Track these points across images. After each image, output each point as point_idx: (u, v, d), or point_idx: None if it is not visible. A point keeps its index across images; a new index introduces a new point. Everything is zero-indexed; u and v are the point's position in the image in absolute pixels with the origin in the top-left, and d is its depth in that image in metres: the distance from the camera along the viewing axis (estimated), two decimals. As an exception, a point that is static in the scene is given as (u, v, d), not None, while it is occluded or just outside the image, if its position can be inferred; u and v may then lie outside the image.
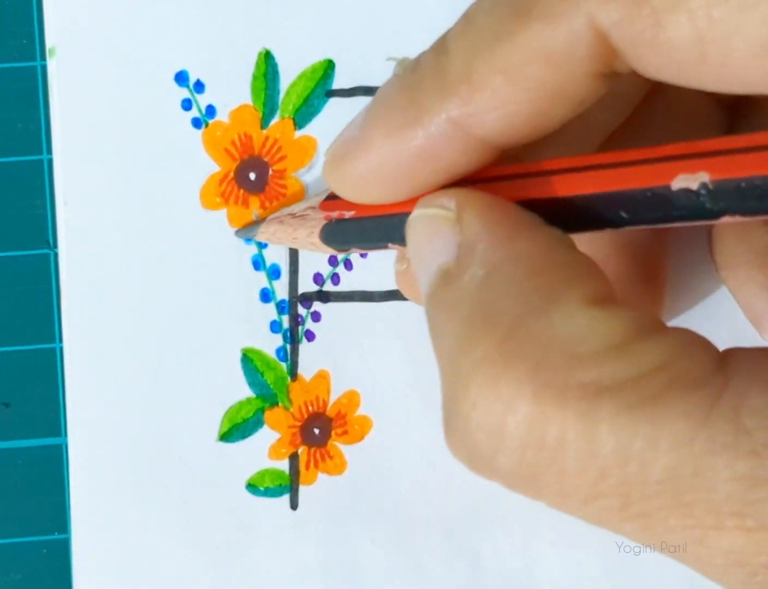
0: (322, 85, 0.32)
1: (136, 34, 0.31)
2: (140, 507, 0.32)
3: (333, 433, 0.33)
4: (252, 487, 0.32)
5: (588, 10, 0.20)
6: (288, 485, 0.32)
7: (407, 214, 0.24)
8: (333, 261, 0.32)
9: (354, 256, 0.32)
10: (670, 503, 0.19)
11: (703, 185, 0.20)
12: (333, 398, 0.33)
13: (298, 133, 0.32)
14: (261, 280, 0.32)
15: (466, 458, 0.21)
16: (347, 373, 0.32)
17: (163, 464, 0.32)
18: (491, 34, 0.21)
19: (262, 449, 0.32)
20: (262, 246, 0.32)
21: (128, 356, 0.32)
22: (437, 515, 0.32)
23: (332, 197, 0.28)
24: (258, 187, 0.32)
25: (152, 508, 0.32)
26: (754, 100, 0.27)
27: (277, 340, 0.32)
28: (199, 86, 0.32)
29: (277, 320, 0.32)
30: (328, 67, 0.32)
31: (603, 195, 0.21)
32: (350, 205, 0.27)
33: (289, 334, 0.32)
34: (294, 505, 0.32)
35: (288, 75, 0.32)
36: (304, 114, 0.32)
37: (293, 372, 0.32)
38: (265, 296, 0.32)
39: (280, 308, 0.32)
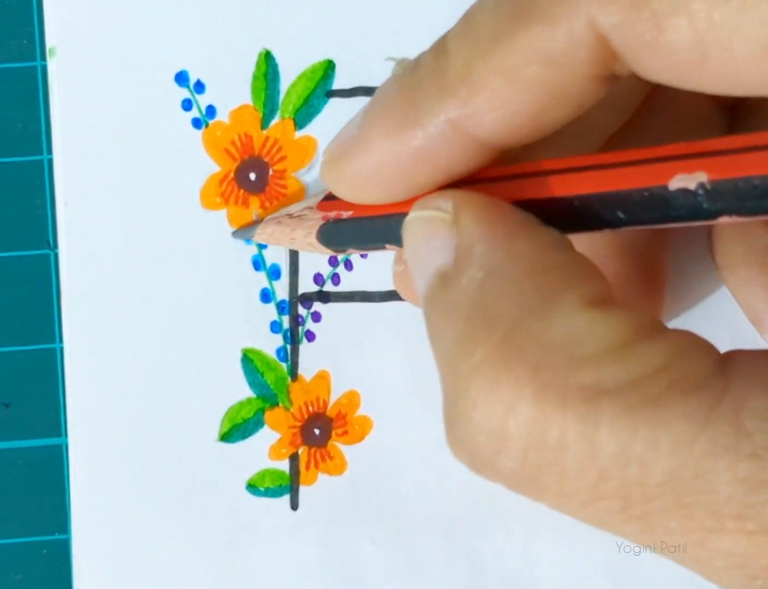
0: (322, 85, 0.32)
1: (136, 34, 0.31)
2: (140, 507, 0.32)
3: (333, 433, 0.33)
4: (252, 487, 0.32)
5: (588, 13, 0.20)
6: (288, 486, 0.32)
7: (405, 214, 0.24)
8: (333, 261, 0.32)
9: (354, 256, 0.32)
10: (671, 505, 0.19)
11: (701, 185, 0.20)
12: (333, 398, 0.32)
13: (299, 134, 0.32)
14: (261, 280, 0.32)
15: (468, 459, 0.21)
16: (347, 373, 0.32)
17: (163, 464, 0.32)
18: (491, 35, 0.21)
19: (263, 450, 0.32)
20: (262, 246, 0.32)
21: (128, 356, 0.32)
22: (437, 515, 0.32)
23: (330, 198, 0.28)
24: (258, 188, 0.32)
25: (152, 508, 0.32)
26: (753, 102, 0.27)
27: (278, 340, 0.32)
28: (200, 86, 0.32)
29: (278, 320, 0.32)
30: (328, 67, 0.32)
31: (600, 195, 0.21)
32: (348, 206, 0.27)
33: (289, 334, 0.32)
34: (294, 505, 0.32)
35: (288, 75, 0.32)
36: (304, 114, 0.32)
37: (293, 372, 0.32)
38: (266, 296, 0.32)
39: (281, 308, 0.32)
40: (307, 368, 0.32)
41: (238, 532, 0.32)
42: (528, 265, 0.21)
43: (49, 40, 0.31)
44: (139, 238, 0.32)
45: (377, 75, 0.31)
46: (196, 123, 0.32)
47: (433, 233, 0.22)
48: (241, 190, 0.32)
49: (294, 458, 0.32)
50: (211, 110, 0.32)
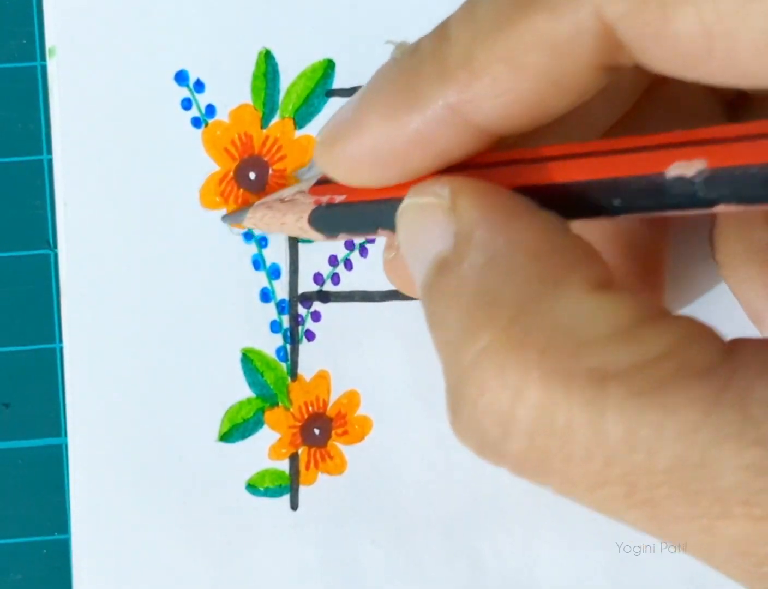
0: (322, 84, 0.32)
1: (136, 34, 0.31)
2: (140, 507, 0.32)
3: (333, 433, 0.32)
4: (252, 487, 0.32)
5: (594, 2, 0.20)
6: (288, 486, 0.32)
7: (399, 199, 0.24)
8: (333, 261, 0.32)
9: (354, 256, 0.32)
10: (677, 491, 0.19)
11: (699, 173, 0.20)
12: (333, 398, 0.32)
13: (298, 133, 0.32)
14: (261, 280, 0.32)
15: (475, 444, 0.21)
16: (347, 373, 0.32)
17: (163, 464, 0.32)
18: (494, 21, 0.21)
19: (262, 450, 0.32)
20: (262, 246, 0.32)
21: (128, 356, 0.32)
22: (437, 515, 0.32)
23: (323, 182, 0.27)
24: (258, 187, 0.32)
25: (152, 508, 0.32)
26: (753, 96, 0.27)
27: (277, 340, 0.32)
28: (199, 86, 0.32)
29: (277, 319, 0.32)
30: (328, 67, 0.32)
31: (597, 182, 0.21)
32: (341, 189, 0.26)
33: (289, 334, 0.32)
34: (294, 505, 0.32)
35: (288, 75, 0.32)
36: (304, 114, 0.32)
37: (293, 372, 0.32)
38: (265, 295, 0.32)
39: (280, 307, 0.32)
40: (306, 368, 0.32)
41: (238, 532, 0.32)
42: (530, 248, 0.21)
43: (49, 40, 0.31)
44: (139, 237, 0.32)
45: (377, 74, 0.31)
46: (196, 122, 0.32)
47: (430, 220, 0.22)
48: (241, 190, 0.32)
49: (294, 458, 0.32)
50: (210, 109, 0.32)
